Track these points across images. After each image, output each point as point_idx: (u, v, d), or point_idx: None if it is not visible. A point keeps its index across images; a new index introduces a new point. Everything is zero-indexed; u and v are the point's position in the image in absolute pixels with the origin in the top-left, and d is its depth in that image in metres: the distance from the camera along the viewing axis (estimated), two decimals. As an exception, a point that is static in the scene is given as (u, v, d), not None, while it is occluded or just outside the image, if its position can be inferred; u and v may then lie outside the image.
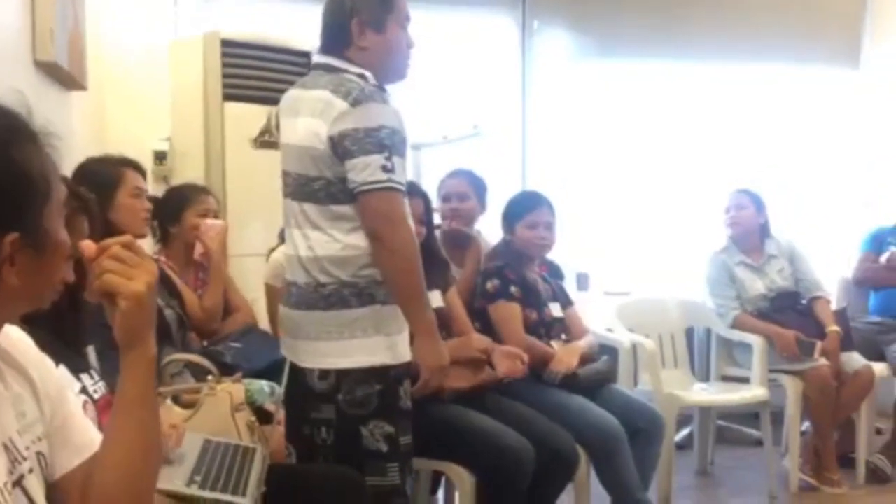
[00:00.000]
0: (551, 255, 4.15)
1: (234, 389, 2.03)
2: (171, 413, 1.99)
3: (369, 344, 2.03)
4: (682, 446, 4.11)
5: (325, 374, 2.05)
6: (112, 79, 3.68)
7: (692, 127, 4.76)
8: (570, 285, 4.25)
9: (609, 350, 3.48)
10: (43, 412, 1.13)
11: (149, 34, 3.76)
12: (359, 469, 2.03)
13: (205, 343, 2.76)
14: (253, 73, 3.49)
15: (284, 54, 3.55)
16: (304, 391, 2.10)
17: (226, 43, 3.45)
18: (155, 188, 3.32)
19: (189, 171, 3.48)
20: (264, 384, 2.53)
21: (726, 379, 3.90)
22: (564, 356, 2.79)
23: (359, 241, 2.03)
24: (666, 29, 4.65)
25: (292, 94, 2.16)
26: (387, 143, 1.98)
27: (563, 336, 2.95)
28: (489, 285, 2.89)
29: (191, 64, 3.49)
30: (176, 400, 2.11)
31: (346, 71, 2.08)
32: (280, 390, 2.30)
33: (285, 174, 2.15)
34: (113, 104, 3.70)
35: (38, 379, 1.14)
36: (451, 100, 4.41)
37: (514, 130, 4.59)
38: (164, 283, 2.57)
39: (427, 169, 4.05)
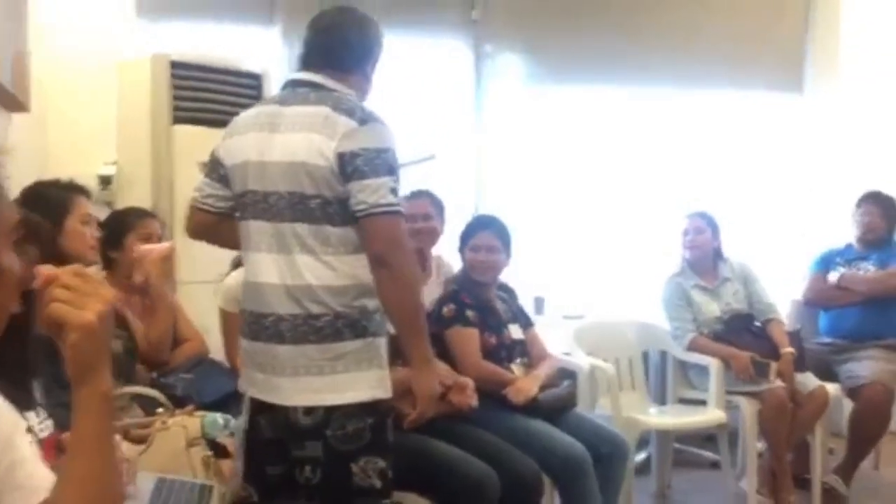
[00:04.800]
0: (507, 279, 4.16)
1: (189, 423, 1.95)
2: (120, 449, 1.90)
3: (364, 378, 1.95)
4: (640, 470, 4.09)
5: (311, 409, 1.94)
6: (57, 100, 3.57)
7: (644, 151, 4.80)
8: (526, 309, 4.24)
9: (568, 374, 3.46)
10: None
11: (95, 55, 3.66)
12: None
13: (153, 375, 2.66)
14: (202, 94, 3.42)
15: (235, 76, 3.48)
16: (281, 429, 1.98)
17: (175, 65, 3.38)
18: (100, 214, 3.20)
19: (136, 196, 3.38)
20: (218, 416, 2.45)
21: (683, 402, 3.89)
22: (523, 384, 2.75)
23: (353, 268, 1.95)
24: (618, 54, 4.69)
25: (266, 111, 2.06)
26: (394, 165, 1.95)
27: (524, 358, 2.91)
28: (445, 310, 2.85)
29: (139, 86, 3.41)
30: (125, 435, 2.02)
31: (337, 91, 2.03)
32: (235, 423, 2.21)
33: (263, 195, 2.00)
34: (57, 127, 3.59)
35: None
36: (406, 125, 4.37)
37: (469, 155, 4.57)
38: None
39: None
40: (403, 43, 4.44)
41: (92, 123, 3.60)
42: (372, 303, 1.97)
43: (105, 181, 3.54)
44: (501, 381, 2.76)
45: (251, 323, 2.03)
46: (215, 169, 2.12)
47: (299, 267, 1.94)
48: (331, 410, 1.93)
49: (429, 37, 4.56)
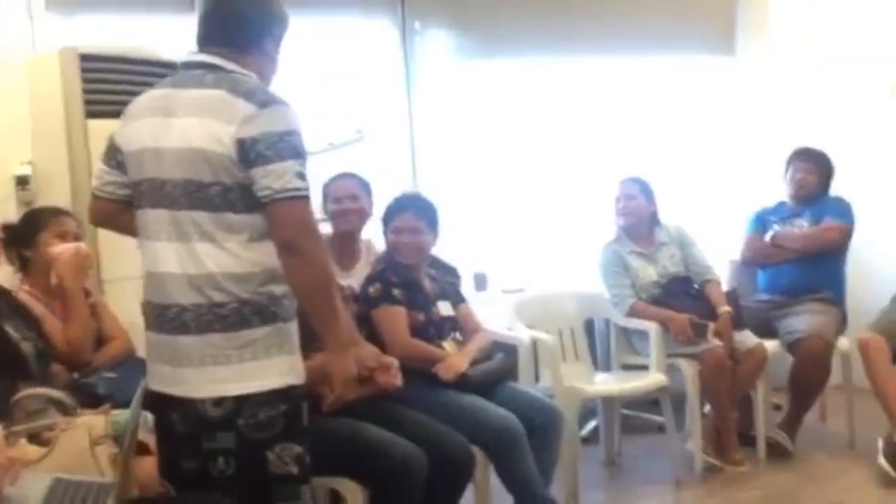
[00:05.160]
0: (446, 256, 4.14)
1: (95, 422, 1.89)
2: (24, 453, 1.85)
3: (273, 365, 1.89)
4: (589, 439, 4.11)
5: (220, 400, 1.88)
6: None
7: (578, 120, 4.78)
8: (467, 286, 4.22)
9: (506, 347, 3.45)
10: None
11: (4, 52, 3.54)
12: (267, 496, 1.90)
13: (74, 375, 2.59)
14: (116, 87, 3.30)
15: (149, 66, 3.36)
16: (189, 422, 1.92)
17: (84, 58, 3.26)
18: (20, 214, 3.12)
19: (55, 195, 3.28)
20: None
21: (627, 368, 3.91)
22: (452, 361, 2.72)
23: (258, 255, 1.89)
24: (546, 25, 4.66)
25: (160, 94, 1.98)
26: (300, 148, 1.87)
27: (456, 335, 2.89)
28: (371, 290, 2.82)
29: (49, 82, 3.30)
30: (35, 438, 1.96)
31: (235, 72, 1.94)
32: (152, 419, 2.16)
33: (161, 183, 1.93)
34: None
35: None
36: (334, 106, 4.32)
37: (401, 133, 4.52)
38: (20, 313, 2.40)
39: (313, 178, 3.94)
40: (330, 22, 4.39)
41: (5, 123, 3.48)
42: (279, 288, 1.91)
43: (22, 181, 3.44)
44: (431, 359, 2.74)
45: (156, 315, 1.97)
46: (113, 156, 2.04)
47: (199, 255, 1.88)
48: (241, 400, 1.87)
49: (354, 16, 4.49)
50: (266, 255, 1.89)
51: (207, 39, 2.00)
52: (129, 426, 1.73)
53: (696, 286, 3.93)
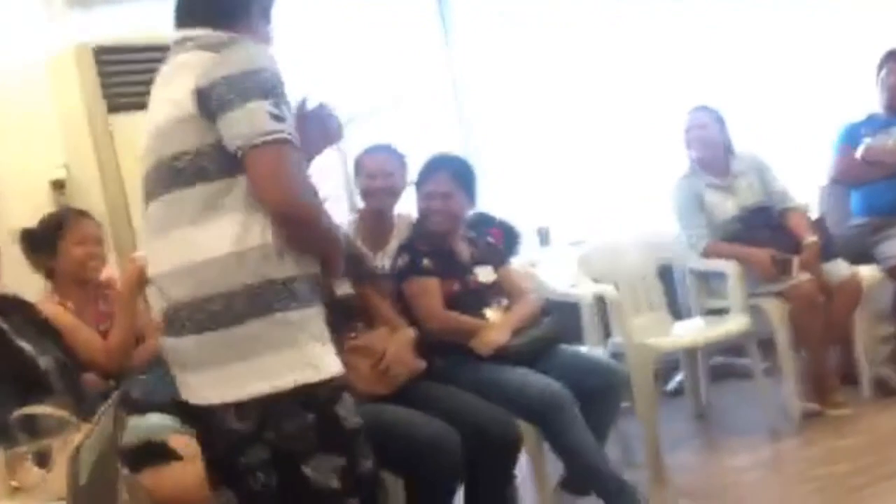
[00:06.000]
0: (508, 213, 3.91)
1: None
2: (29, 475, 1.75)
3: (278, 361, 1.63)
4: (678, 392, 3.84)
5: (242, 412, 1.65)
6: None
7: (633, 51, 4.38)
8: (531, 242, 3.99)
9: (568, 307, 3.22)
10: None
11: (27, 52, 3.47)
12: None
13: (111, 383, 2.51)
14: (135, 78, 3.19)
15: (167, 51, 3.25)
16: (221, 435, 1.71)
17: (99, 52, 3.17)
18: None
19: (90, 197, 3.21)
20: (167, 418, 2.28)
21: (709, 312, 3.60)
22: (489, 334, 2.50)
23: (245, 229, 1.61)
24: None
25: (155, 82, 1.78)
26: (270, 86, 1.60)
27: (503, 301, 2.66)
28: (400, 262, 2.63)
29: (68, 80, 3.22)
30: (46, 460, 1.86)
31: (209, 35, 1.70)
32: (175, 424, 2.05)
33: (146, 177, 1.74)
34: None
35: None
36: (373, 72, 4.11)
37: (446, 95, 4.26)
38: (39, 326, 2.32)
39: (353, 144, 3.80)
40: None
41: (35, 126, 3.43)
42: (279, 271, 1.65)
43: (58, 185, 3.38)
44: (469, 331, 2.53)
45: (163, 318, 1.79)
46: None
47: (178, 243, 1.67)
48: (263, 413, 1.64)
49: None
50: (254, 228, 1.63)
51: (189, 17, 1.77)
52: (99, 444, 1.56)
53: (777, 216, 3.57)
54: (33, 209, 2.99)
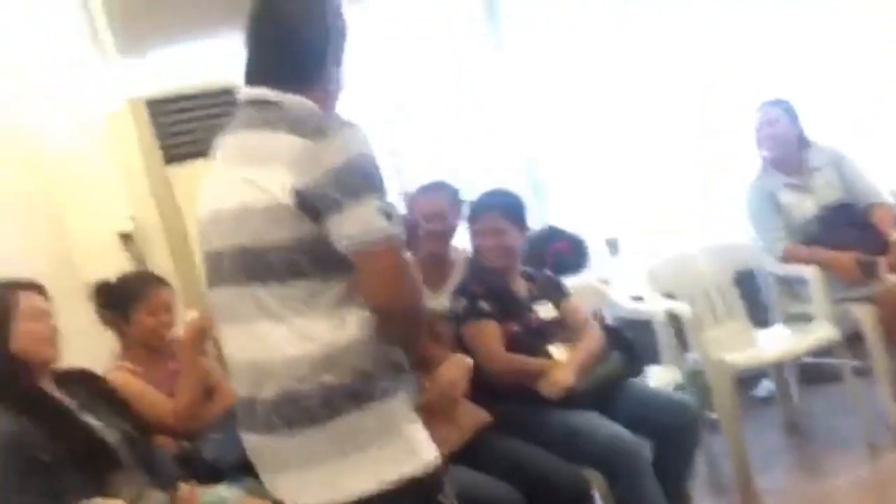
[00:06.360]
0: (576, 227, 3.81)
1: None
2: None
3: (376, 458, 1.52)
4: (767, 399, 3.68)
5: None
6: (55, 169, 3.46)
7: (697, 50, 4.19)
8: (600, 254, 3.87)
9: (640, 325, 3.11)
10: None
11: (88, 105, 3.52)
12: None
13: (185, 444, 2.51)
14: (189, 126, 3.22)
15: (217, 96, 3.26)
16: None
17: (152, 103, 3.19)
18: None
19: (156, 250, 3.25)
20: (234, 488, 2.26)
21: (792, 318, 3.42)
22: (557, 374, 2.40)
23: (339, 326, 1.53)
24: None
25: (217, 144, 1.66)
26: (373, 177, 1.50)
27: (564, 336, 2.57)
28: (458, 307, 2.55)
29: (125, 134, 3.26)
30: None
31: (281, 102, 1.57)
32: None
33: (215, 256, 1.61)
34: (63, 196, 3.49)
35: None
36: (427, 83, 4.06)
37: (501, 103, 4.16)
38: (105, 398, 2.34)
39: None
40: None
41: (102, 177, 3.48)
42: (371, 363, 1.54)
43: (126, 238, 3.43)
44: (534, 372, 2.43)
45: (238, 410, 1.67)
46: None
47: (264, 338, 1.54)
48: None
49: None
50: (351, 322, 1.54)
51: (259, 76, 1.62)
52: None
53: (861, 213, 3.37)
54: (104, 263, 3.05)
